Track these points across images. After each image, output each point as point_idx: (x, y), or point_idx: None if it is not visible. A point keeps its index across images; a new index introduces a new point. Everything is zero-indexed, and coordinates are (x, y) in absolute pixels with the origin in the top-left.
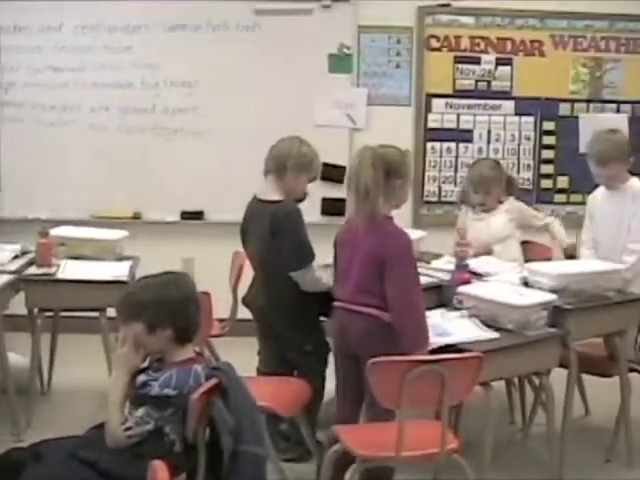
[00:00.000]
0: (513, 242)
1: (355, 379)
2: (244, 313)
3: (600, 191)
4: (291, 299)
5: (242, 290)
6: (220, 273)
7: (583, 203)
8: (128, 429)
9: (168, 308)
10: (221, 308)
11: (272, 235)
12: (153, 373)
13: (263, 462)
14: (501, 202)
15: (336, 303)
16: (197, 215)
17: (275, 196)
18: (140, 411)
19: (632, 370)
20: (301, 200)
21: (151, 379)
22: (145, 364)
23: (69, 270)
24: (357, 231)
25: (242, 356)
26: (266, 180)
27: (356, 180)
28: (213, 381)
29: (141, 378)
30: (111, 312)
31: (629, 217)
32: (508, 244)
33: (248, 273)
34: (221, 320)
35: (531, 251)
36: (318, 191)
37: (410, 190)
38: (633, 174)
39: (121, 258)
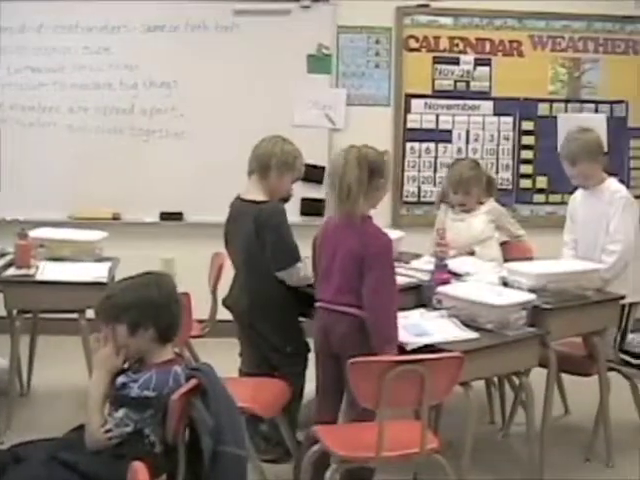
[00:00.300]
0: (493, 243)
1: (336, 379)
2: (224, 314)
3: (580, 192)
4: (273, 300)
5: (222, 291)
6: (199, 274)
7: (562, 203)
8: (108, 431)
9: (150, 308)
10: (201, 309)
11: (256, 235)
12: (133, 374)
13: (243, 463)
14: (481, 203)
15: (318, 304)
16: (176, 216)
17: (259, 196)
18: (120, 413)
19: (611, 369)
20: (286, 200)
21: (130, 381)
22: (125, 365)
23: (48, 271)
24: (337, 231)
25: (222, 357)
26: (249, 180)
27: (340, 179)
28: (193, 382)
29: (121, 380)
30: (90, 313)
31: (607, 218)
32: (488, 245)
33: (228, 274)
34: (201, 321)
35: (510, 251)
36: (297, 191)
37: (388, 190)
38: (611, 174)
39: (100, 259)
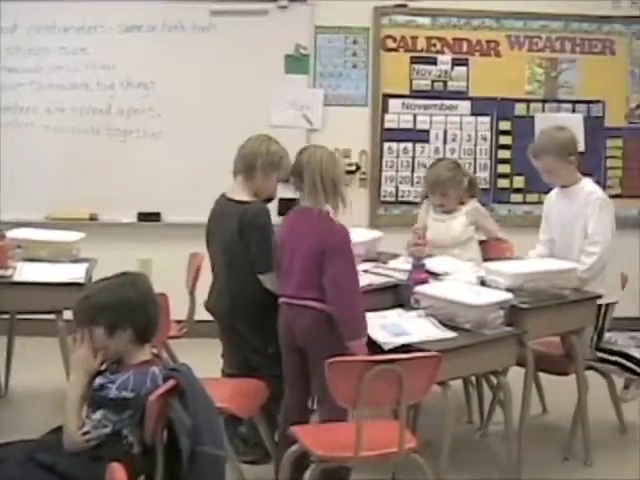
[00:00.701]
0: (473, 245)
1: (301, 372)
2: (201, 314)
3: (555, 192)
4: (254, 301)
5: (199, 291)
6: (177, 274)
7: (539, 202)
8: (86, 433)
9: (127, 308)
10: (178, 310)
11: (240, 235)
12: (110, 376)
13: (221, 463)
14: (463, 203)
15: (281, 299)
16: (154, 216)
17: (244, 197)
18: (98, 414)
19: (588, 368)
20: (270, 200)
21: (108, 382)
22: (103, 367)
23: (26, 272)
24: (296, 227)
25: (200, 357)
26: (235, 180)
27: (311, 176)
28: (171, 383)
29: (98, 381)
30: (68, 314)
31: (584, 218)
32: (468, 247)
33: (205, 274)
34: (179, 321)
35: (489, 251)
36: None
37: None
38: (585, 174)
39: (78, 260)
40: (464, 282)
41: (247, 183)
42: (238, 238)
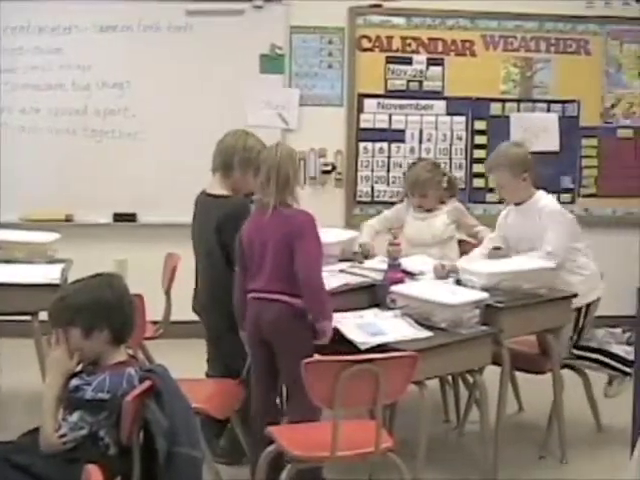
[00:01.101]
0: (453, 244)
1: (268, 367)
2: (177, 315)
3: (509, 210)
4: (230, 296)
5: (175, 292)
6: (153, 275)
7: None
8: (63, 435)
9: (104, 309)
10: (154, 310)
11: (218, 230)
12: (86, 377)
13: (198, 463)
14: (443, 202)
15: (250, 295)
16: (129, 217)
17: (223, 192)
18: (74, 416)
19: (564, 366)
20: (250, 195)
21: (84, 383)
22: (79, 368)
23: (0, 273)
24: (262, 223)
25: (176, 358)
26: (214, 177)
27: (267, 172)
28: (147, 383)
29: (74, 382)
30: (44, 315)
31: (541, 232)
32: (448, 246)
33: (181, 275)
34: (154, 322)
35: (466, 249)
36: None
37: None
38: (539, 188)
39: (53, 261)
40: (440, 281)
41: (225, 180)
42: (216, 233)
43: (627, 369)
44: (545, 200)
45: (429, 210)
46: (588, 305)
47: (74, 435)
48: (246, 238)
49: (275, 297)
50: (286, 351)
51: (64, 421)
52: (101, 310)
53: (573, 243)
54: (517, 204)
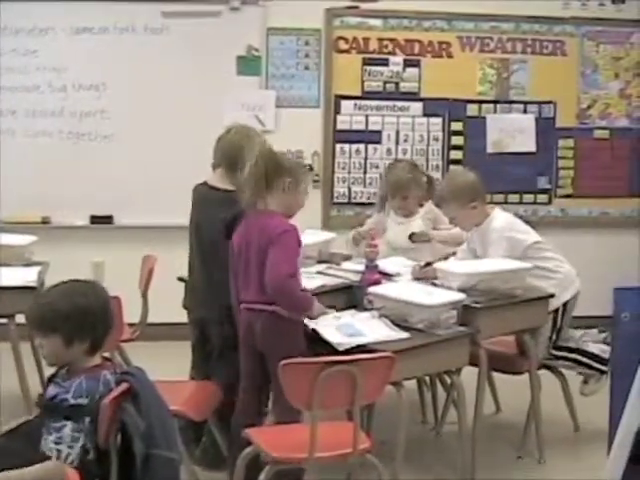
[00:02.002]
0: (429, 246)
1: (259, 374)
2: (154, 317)
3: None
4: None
5: (152, 293)
6: (130, 277)
7: (490, 203)
8: (67, 457)
9: (90, 321)
10: (131, 312)
11: (227, 228)
12: (62, 383)
13: (176, 465)
14: (421, 205)
15: (242, 305)
16: (106, 219)
17: (229, 186)
18: (67, 430)
19: (542, 367)
20: None
21: (63, 391)
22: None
23: None
24: (246, 231)
25: (153, 360)
26: (215, 172)
27: (255, 173)
28: (124, 386)
29: (52, 391)
30: (20, 318)
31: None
32: (424, 248)
33: (158, 277)
34: (131, 324)
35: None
36: None
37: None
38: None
39: (30, 263)
40: (417, 282)
41: (229, 175)
42: (226, 228)
43: (604, 367)
44: (496, 222)
45: (407, 215)
46: (564, 304)
47: (75, 451)
48: (236, 247)
49: (265, 307)
50: (277, 359)
51: (54, 434)
52: (87, 322)
53: (534, 254)
54: (477, 225)
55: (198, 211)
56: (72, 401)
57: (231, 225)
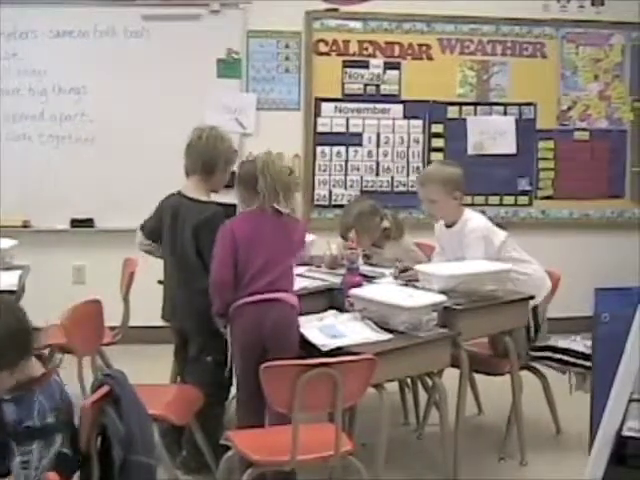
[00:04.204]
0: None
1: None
2: (135, 321)
3: (442, 224)
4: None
5: (133, 297)
6: (111, 281)
7: (472, 204)
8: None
9: (23, 343)
10: (112, 316)
11: (195, 236)
12: (21, 406)
13: (153, 471)
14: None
15: (247, 299)
16: (87, 223)
17: (202, 196)
18: (34, 454)
19: (523, 368)
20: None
21: (25, 415)
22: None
23: None
24: (262, 229)
25: (134, 363)
26: (189, 180)
27: (272, 179)
28: (105, 389)
29: (14, 416)
30: None
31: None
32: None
33: (139, 280)
34: (112, 328)
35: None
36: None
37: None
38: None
39: (11, 267)
40: (397, 284)
41: (205, 183)
42: (193, 238)
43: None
44: (472, 223)
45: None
46: (535, 305)
47: (44, 464)
48: (244, 240)
49: (278, 296)
50: (285, 352)
51: (21, 457)
52: (21, 344)
53: (505, 253)
54: (448, 226)
55: (172, 225)
56: (39, 423)
57: (200, 230)
